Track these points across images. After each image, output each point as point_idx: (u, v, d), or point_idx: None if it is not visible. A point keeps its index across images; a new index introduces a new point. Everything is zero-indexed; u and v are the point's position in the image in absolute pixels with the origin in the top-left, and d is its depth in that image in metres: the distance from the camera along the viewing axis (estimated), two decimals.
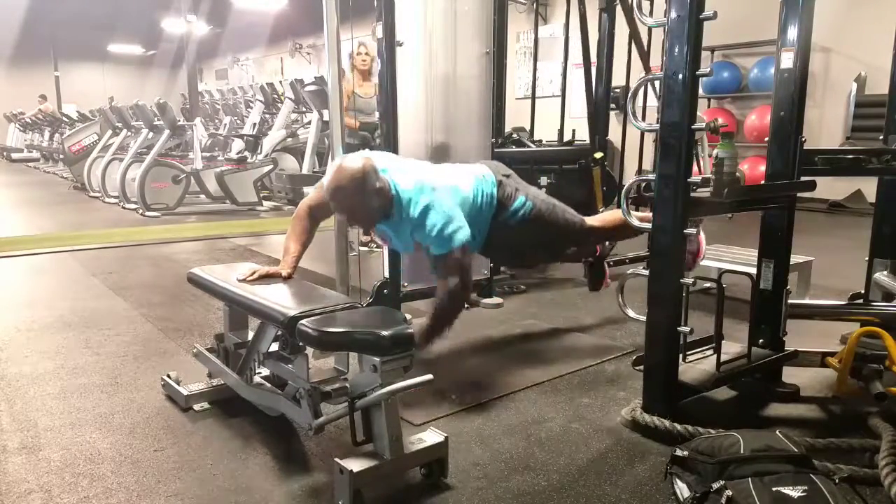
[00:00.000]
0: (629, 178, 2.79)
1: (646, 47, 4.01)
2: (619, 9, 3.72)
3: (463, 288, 2.18)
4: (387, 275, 3.04)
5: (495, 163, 2.63)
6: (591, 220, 2.68)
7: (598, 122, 4.00)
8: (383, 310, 2.05)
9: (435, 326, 2.19)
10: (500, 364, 2.69)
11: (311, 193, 2.42)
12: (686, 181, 1.93)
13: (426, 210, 2.14)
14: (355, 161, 2.12)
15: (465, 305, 2.26)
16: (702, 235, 2.68)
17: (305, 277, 2.34)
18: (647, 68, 3.59)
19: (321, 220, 2.42)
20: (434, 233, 2.13)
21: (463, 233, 2.16)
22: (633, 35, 3.58)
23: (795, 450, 1.57)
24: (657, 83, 2.12)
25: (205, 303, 3.52)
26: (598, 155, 3.67)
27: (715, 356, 2.15)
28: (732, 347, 2.27)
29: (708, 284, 2.31)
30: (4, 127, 17.97)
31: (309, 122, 8.63)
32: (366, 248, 4.63)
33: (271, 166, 8.15)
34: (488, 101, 3.37)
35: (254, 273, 2.18)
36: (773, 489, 1.45)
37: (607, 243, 3.02)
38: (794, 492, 1.45)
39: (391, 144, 2.88)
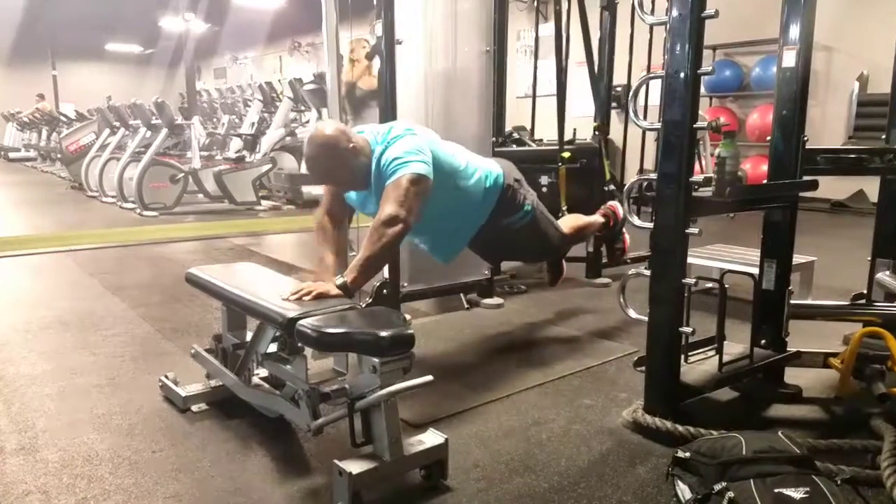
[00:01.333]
0: (630, 177, 2.79)
1: (647, 46, 4.01)
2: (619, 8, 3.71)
3: (404, 219, 2.00)
4: (386, 275, 3.03)
5: (509, 164, 2.58)
6: (565, 229, 2.74)
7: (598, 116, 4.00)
8: (383, 310, 2.03)
9: (369, 260, 2.01)
10: (500, 365, 2.68)
11: (322, 200, 2.37)
12: (688, 180, 1.92)
13: (394, 141, 2.09)
14: (324, 125, 2.11)
15: (399, 240, 2.08)
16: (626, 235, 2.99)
17: (304, 278, 2.33)
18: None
19: (342, 218, 2.34)
20: (393, 158, 2.05)
21: (425, 166, 2.06)
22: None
23: (797, 451, 1.57)
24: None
25: (203, 303, 3.51)
26: (566, 154, 3.68)
27: (717, 357, 2.14)
28: (734, 348, 2.26)
29: (710, 285, 2.31)
30: (2, 126, 17.93)
31: (308, 121, 8.62)
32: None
33: (270, 165, 8.14)
34: (488, 100, 3.36)
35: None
36: (775, 490, 1.45)
37: (617, 253, 3.12)
38: (796, 493, 1.44)
39: None
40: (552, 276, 3.03)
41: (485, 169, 2.39)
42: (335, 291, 1.95)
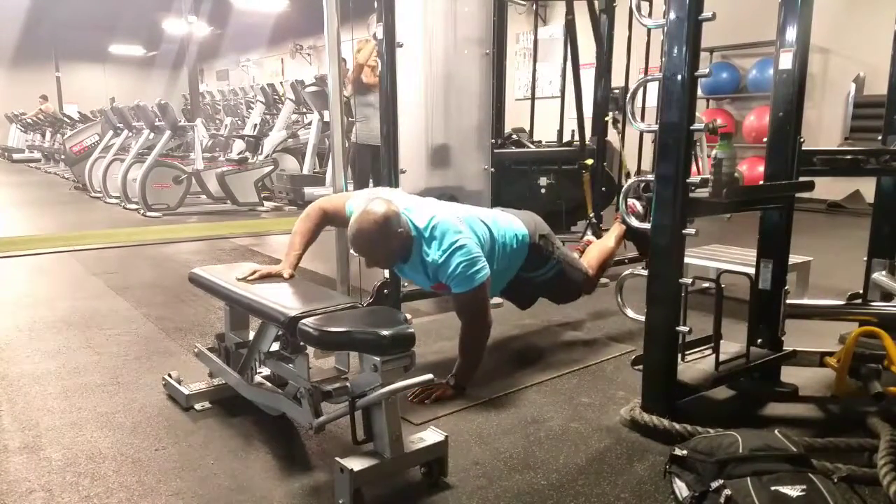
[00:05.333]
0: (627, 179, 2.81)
1: (645, 48, 4.03)
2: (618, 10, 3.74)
3: (485, 321, 2.34)
4: (387, 275, 3.05)
5: (534, 218, 2.65)
6: (589, 268, 2.81)
7: (596, 123, 4.02)
8: (384, 310, 2.06)
9: (469, 361, 2.36)
10: (499, 363, 2.70)
11: (333, 199, 2.45)
12: (685, 182, 1.94)
13: (449, 252, 2.21)
14: (379, 206, 2.17)
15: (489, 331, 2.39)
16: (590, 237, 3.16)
17: (306, 277, 2.35)
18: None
19: (331, 224, 2.47)
20: (457, 272, 2.20)
21: (484, 272, 2.24)
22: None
23: (794, 449, 1.58)
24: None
25: (206, 303, 3.53)
26: (589, 162, 3.70)
27: (714, 356, 2.15)
28: (731, 347, 2.27)
29: (707, 284, 2.32)
30: (6, 127, 17.99)
31: (309, 123, 8.64)
32: None
33: (272, 167, 8.17)
34: (488, 102, 3.38)
35: (254, 272, 2.19)
36: (772, 488, 1.45)
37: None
38: (792, 491, 1.45)
39: (391, 145, 2.89)
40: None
41: (512, 231, 2.50)
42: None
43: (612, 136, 4.32)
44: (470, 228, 2.31)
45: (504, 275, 2.53)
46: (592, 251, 2.96)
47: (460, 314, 2.33)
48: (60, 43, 18.75)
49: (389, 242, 2.19)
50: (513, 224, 2.52)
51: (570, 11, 3.85)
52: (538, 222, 2.63)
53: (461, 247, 2.21)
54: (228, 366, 2.26)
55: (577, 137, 4.17)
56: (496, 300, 3.52)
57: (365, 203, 2.20)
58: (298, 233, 2.36)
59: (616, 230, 3.03)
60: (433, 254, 2.22)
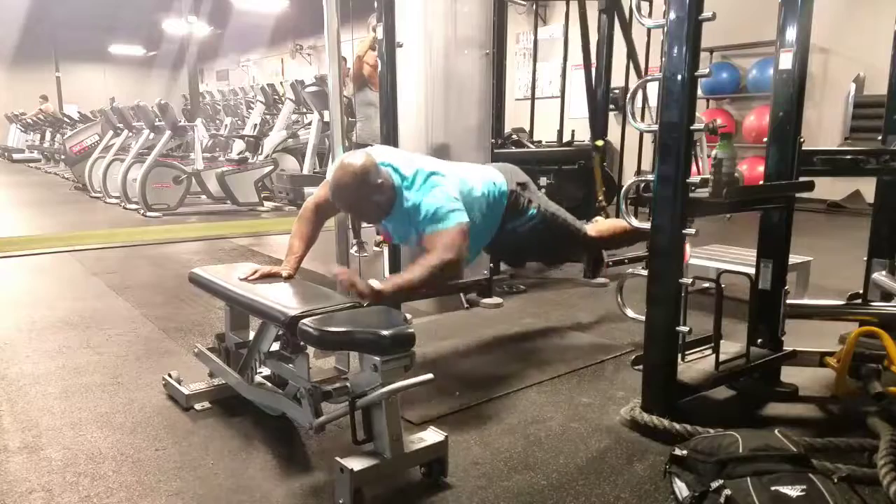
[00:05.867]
0: (628, 178, 2.82)
1: (645, 48, 4.04)
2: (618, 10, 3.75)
3: (452, 258, 2.12)
4: (387, 275, 3.05)
5: (511, 168, 2.63)
6: (591, 231, 2.74)
7: (596, 123, 4.02)
8: (384, 310, 2.05)
9: (410, 280, 2.10)
10: (499, 364, 2.70)
11: (317, 191, 2.42)
12: (685, 182, 1.94)
13: (425, 191, 2.17)
14: (356, 157, 2.15)
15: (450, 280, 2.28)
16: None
17: (306, 277, 2.35)
18: (639, 73, 3.67)
19: (327, 218, 2.44)
20: (431, 211, 2.14)
21: (461, 214, 2.17)
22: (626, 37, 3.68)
23: (794, 449, 1.57)
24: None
25: (206, 303, 3.53)
26: (599, 143, 3.71)
27: (714, 356, 2.15)
28: (731, 347, 2.27)
29: (707, 284, 2.32)
30: (6, 127, 17.99)
31: (309, 123, 8.64)
32: (378, 249, 4.63)
33: (272, 167, 8.17)
34: (488, 102, 3.38)
35: (255, 272, 2.19)
36: (772, 488, 1.45)
37: (606, 261, 3.16)
38: (792, 491, 1.44)
39: (391, 145, 2.89)
40: (592, 268, 3.07)
41: (489, 181, 2.46)
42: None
43: (611, 136, 4.33)
44: (454, 176, 2.29)
45: (487, 225, 2.46)
46: (604, 222, 2.93)
47: (433, 249, 2.13)
48: (60, 43, 18.75)
49: (370, 193, 2.14)
50: (489, 173, 2.52)
51: (584, 23, 3.90)
52: (515, 171, 2.61)
53: (438, 188, 2.17)
54: (228, 366, 2.26)
55: (576, 138, 4.19)
56: (496, 300, 3.53)
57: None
58: (295, 235, 2.36)
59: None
60: (412, 198, 2.18)
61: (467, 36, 3.22)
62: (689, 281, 2.03)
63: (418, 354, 1.80)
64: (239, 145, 9.08)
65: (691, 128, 1.92)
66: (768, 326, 2.31)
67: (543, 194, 2.70)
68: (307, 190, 7.85)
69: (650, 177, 2.02)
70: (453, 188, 2.23)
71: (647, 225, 2.07)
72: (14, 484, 1.80)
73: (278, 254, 5.24)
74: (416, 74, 3.07)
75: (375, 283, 2.01)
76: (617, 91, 4.63)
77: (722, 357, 2.16)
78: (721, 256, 3.45)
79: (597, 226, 2.84)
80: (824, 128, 6.94)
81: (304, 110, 8.98)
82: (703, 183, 2.00)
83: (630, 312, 3.04)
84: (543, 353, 2.84)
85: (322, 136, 8.07)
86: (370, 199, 2.17)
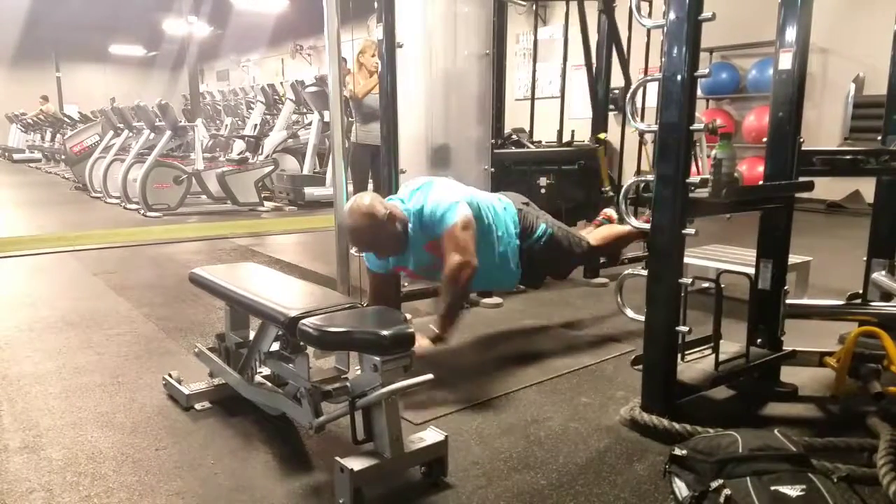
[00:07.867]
0: (628, 178, 2.83)
1: (645, 48, 4.04)
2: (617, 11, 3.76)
3: (465, 265, 2.29)
4: None
5: (513, 193, 2.82)
6: (593, 241, 2.89)
7: (598, 118, 4.05)
8: (384, 310, 2.05)
9: (451, 305, 2.32)
10: (499, 363, 2.70)
11: (369, 292, 2.63)
12: (684, 182, 1.94)
13: (426, 191, 2.32)
14: (359, 198, 2.31)
15: (470, 282, 2.36)
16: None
17: (306, 277, 2.36)
18: (627, 79, 3.74)
19: (391, 296, 2.65)
20: (437, 212, 2.28)
21: (462, 208, 2.30)
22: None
23: (794, 449, 1.57)
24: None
25: (206, 303, 3.53)
26: (602, 135, 3.75)
27: (713, 356, 2.16)
28: (731, 347, 2.27)
29: (706, 284, 2.32)
30: (6, 128, 18.00)
31: (310, 123, 8.65)
32: None
33: (272, 167, 8.18)
34: (488, 102, 3.38)
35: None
36: (772, 488, 1.45)
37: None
38: (792, 491, 1.45)
39: (391, 145, 2.89)
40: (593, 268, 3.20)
41: (501, 203, 2.64)
42: (426, 343, 2.26)
43: (611, 136, 4.33)
44: (463, 191, 2.45)
45: (509, 247, 2.59)
46: (602, 229, 3.05)
47: (445, 256, 2.31)
48: (61, 43, 18.77)
49: (383, 226, 2.29)
50: (494, 196, 2.73)
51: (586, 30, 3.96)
52: (515, 195, 2.80)
53: (436, 186, 2.35)
54: (229, 366, 2.27)
55: (576, 138, 4.20)
56: (496, 299, 3.53)
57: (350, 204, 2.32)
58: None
59: (597, 224, 3.16)
60: (416, 203, 2.34)
61: (467, 36, 3.22)
62: (689, 281, 2.04)
63: (418, 354, 1.80)
64: (239, 145, 9.08)
65: (691, 128, 1.92)
66: (768, 326, 2.32)
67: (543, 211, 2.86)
68: (307, 190, 7.87)
69: (650, 177, 2.02)
70: (452, 184, 2.35)
71: (646, 225, 2.07)
72: (14, 484, 1.80)
73: (278, 254, 5.25)
74: (416, 74, 3.07)
75: (434, 330, 2.28)
76: (617, 91, 4.64)
77: (721, 357, 2.16)
78: (721, 256, 3.46)
79: (597, 234, 2.97)
80: (824, 128, 6.93)
81: (305, 110, 8.99)
82: (703, 183, 2.00)
83: (630, 312, 3.04)
84: (543, 352, 2.84)
85: (322, 136, 8.08)
86: (384, 231, 2.29)
